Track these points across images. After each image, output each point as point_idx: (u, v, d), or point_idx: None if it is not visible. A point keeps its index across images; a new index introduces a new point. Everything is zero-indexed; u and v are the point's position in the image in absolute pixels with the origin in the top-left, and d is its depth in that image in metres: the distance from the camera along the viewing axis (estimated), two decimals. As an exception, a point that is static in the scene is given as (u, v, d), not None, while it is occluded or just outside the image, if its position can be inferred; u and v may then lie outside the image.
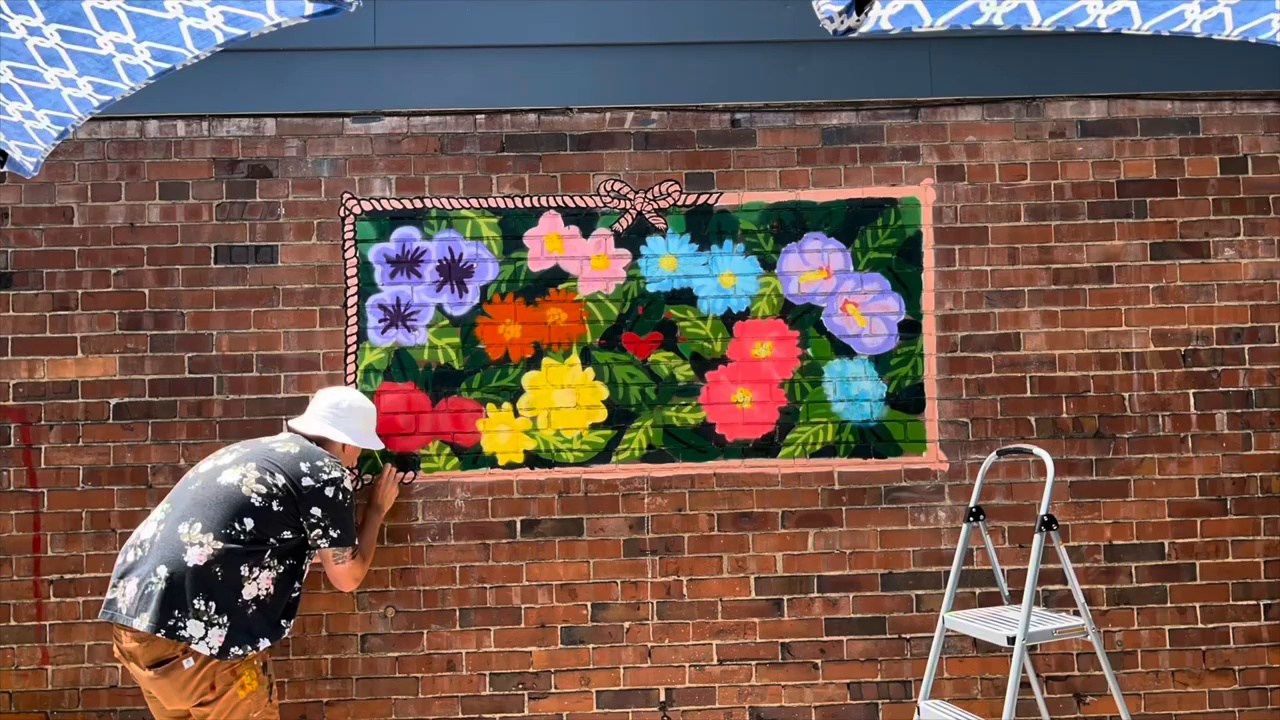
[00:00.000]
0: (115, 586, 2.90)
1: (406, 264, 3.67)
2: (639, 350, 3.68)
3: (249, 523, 2.91)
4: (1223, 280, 3.73)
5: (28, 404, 3.61)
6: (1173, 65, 3.72)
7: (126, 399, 3.62)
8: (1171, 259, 3.73)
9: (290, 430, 3.27)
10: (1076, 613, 3.35)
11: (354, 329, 3.65)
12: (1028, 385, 3.69)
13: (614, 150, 3.72)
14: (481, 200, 3.69)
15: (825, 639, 3.63)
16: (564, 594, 3.61)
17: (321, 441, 3.26)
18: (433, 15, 3.67)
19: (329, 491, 3.03)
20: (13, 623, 3.58)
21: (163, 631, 2.76)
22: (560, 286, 3.68)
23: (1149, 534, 3.67)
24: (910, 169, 3.74)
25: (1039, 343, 3.70)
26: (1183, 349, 3.71)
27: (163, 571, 2.82)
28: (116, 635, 2.88)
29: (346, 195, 3.68)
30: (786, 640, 3.63)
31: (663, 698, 3.61)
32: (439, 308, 3.67)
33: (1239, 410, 3.70)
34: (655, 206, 3.70)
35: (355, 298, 3.66)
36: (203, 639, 2.78)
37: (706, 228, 3.70)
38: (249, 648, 2.85)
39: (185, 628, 2.78)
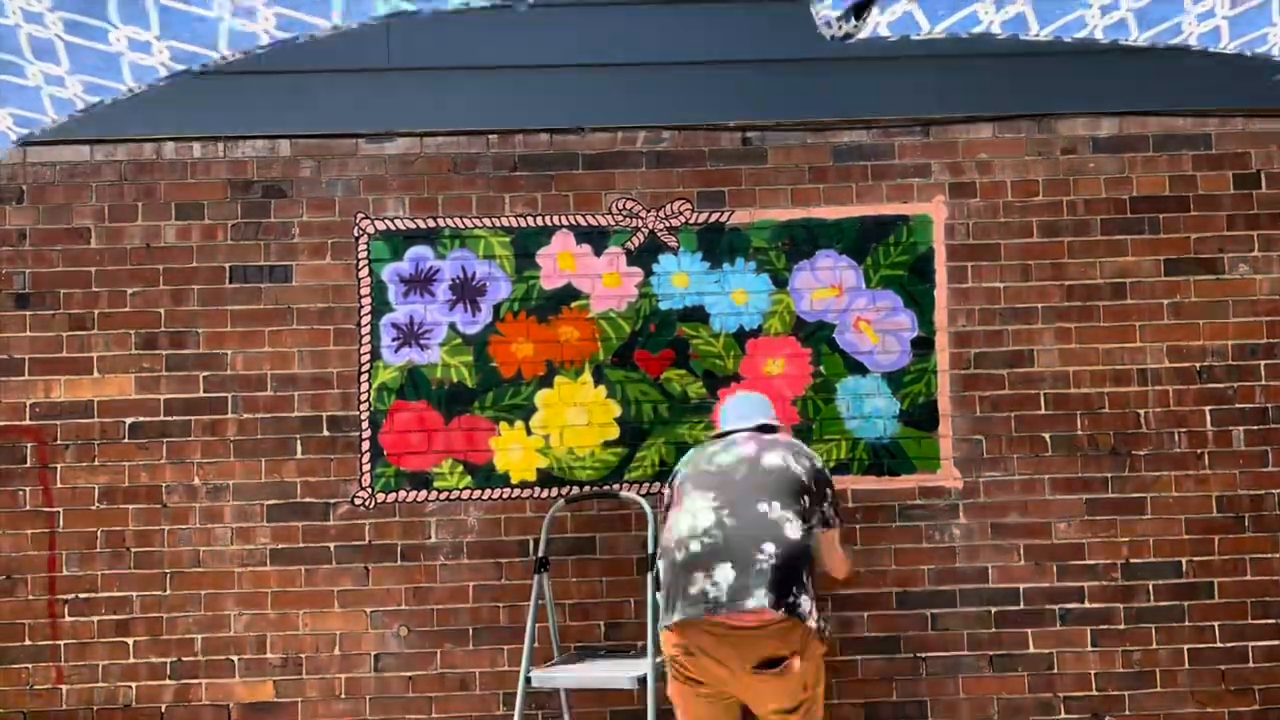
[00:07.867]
0: (693, 580, 2.75)
1: (420, 283, 3.69)
2: (651, 368, 3.68)
3: (805, 500, 2.88)
4: (1238, 296, 3.71)
5: (44, 424, 3.63)
6: (1184, 82, 3.71)
7: (142, 418, 3.63)
8: (1185, 275, 3.71)
9: (738, 430, 3.07)
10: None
11: (368, 348, 3.67)
12: (1042, 402, 3.67)
13: (626, 169, 3.73)
14: (494, 219, 3.71)
15: (840, 659, 3.60)
16: (577, 613, 3.60)
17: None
18: (445, 36, 3.69)
19: (828, 474, 3.04)
20: (28, 642, 3.59)
21: (783, 609, 2.69)
22: (572, 305, 3.69)
23: (1166, 552, 3.64)
24: (922, 186, 3.74)
25: (1053, 359, 3.69)
26: (1198, 365, 3.69)
27: (770, 549, 2.73)
28: (699, 631, 2.75)
29: (360, 215, 3.70)
30: (801, 659, 3.61)
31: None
32: (452, 326, 3.68)
33: (1256, 427, 3.67)
34: (667, 225, 3.71)
35: (369, 317, 3.67)
36: (810, 614, 2.75)
37: (718, 246, 3.71)
38: (824, 624, 2.84)
39: (800, 605, 2.72)
